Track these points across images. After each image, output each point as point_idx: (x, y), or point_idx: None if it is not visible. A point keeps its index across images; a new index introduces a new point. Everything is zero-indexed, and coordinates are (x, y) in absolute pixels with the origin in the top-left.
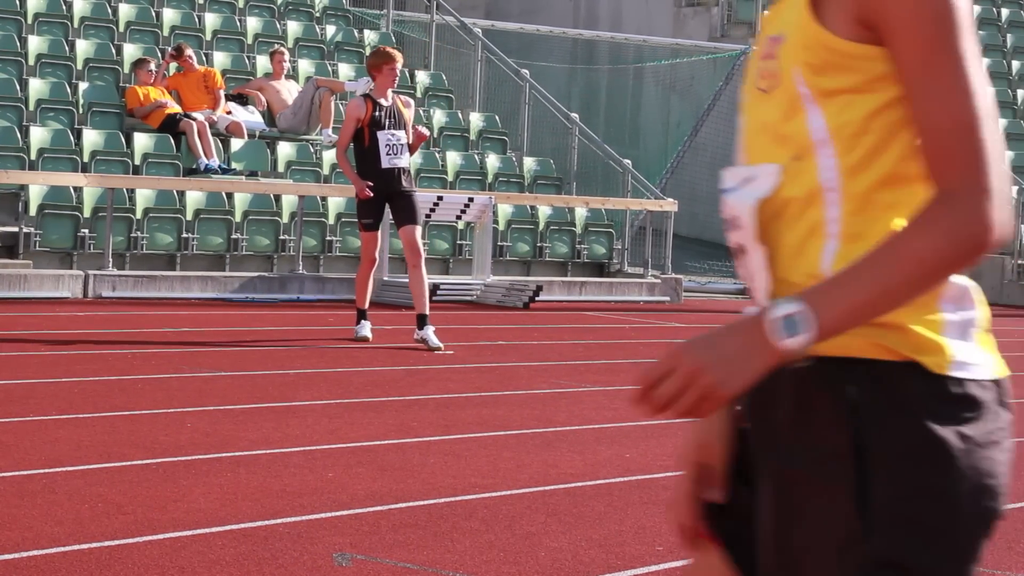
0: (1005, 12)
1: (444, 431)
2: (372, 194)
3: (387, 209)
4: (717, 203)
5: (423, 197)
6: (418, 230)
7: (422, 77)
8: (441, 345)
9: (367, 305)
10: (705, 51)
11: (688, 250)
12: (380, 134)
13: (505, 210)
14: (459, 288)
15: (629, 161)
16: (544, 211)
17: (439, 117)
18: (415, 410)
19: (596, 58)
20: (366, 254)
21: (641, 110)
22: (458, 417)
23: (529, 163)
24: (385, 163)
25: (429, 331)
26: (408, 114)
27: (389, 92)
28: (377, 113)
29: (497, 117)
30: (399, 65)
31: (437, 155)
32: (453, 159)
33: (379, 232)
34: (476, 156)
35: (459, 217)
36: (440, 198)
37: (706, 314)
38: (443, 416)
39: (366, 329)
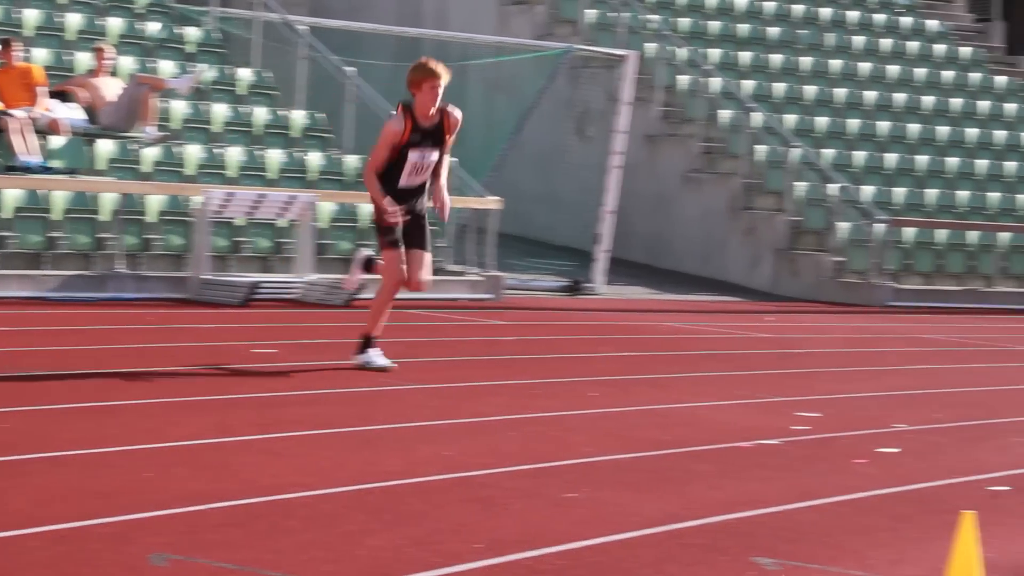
0: (853, 15)
1: (264, 430)
2: (397, 221)
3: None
4: (541, 201)
5: (243, 195)
6: (427, 258)
7: (246, 74)
8: (392, 364)
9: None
10: (529, 49)
11: (511, 248)
12: (412, 153)
13: (328, 208)
14: (281, 286)
15: (455, 159)
16: (366, 209)
17: (263, 115)
18: (235, 409)
19: (421, 55)
20: (391, 273)
21: (465, 108)
22: (278, 416)
23: (353, 161)
24: (403, 182)
25: (372, 353)
26: (453, 126)
27: (431, 111)
28: (415, 136)
29: (321, 115)
30: (443, 82)
31: (256, 153)
32: (276, 157)
33: (402, 251)
34: (299, 154)
35: (281, 215)
36: (262, 196)
37: (527, 311)
38: (263, 415)
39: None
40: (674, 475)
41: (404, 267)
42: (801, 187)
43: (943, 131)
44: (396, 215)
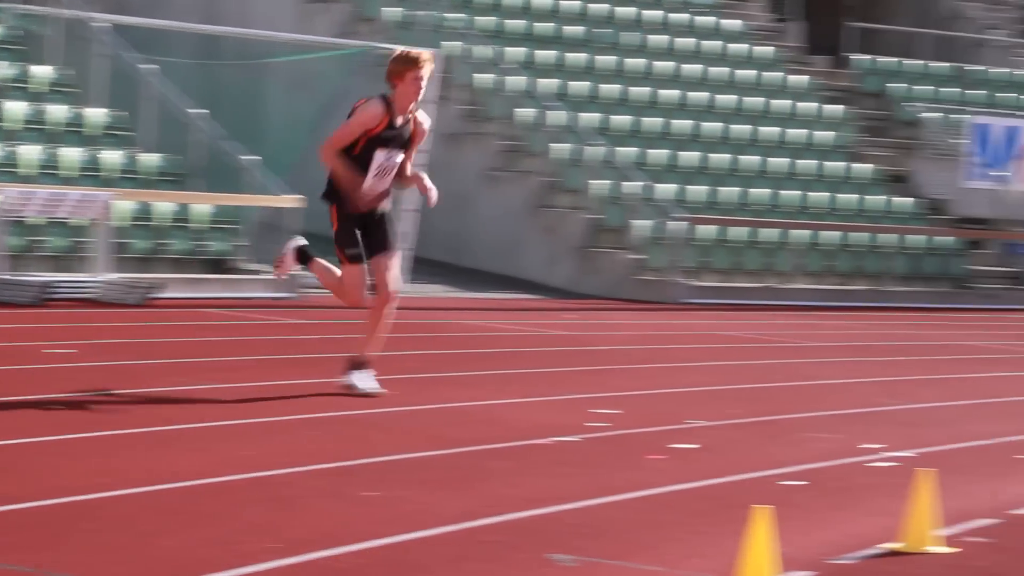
0: (653, 15)
1: (58, 431)
2: (361, 206)
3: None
4: None
5: (40, 194)
6: (395, 259)
7: (44, 72)
8: (380, 388)
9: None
10: (331, 47)
11: (313, 247)
12: (379, 152)
13: (126, 207)
14: (77, 286)
15: (260, 157)
16: (165, 207)
17: (61, 112)
18: (28, 410)
19: (222, 54)
20: (350, 294)
21: (268, 106)
22: (73, 416)
23: (151, 159)
24: (367, 183)
25: (357, 376)
26: (420, 136)
27: (412, 106)
28: (388, 132)
29: (121, 113)
30: (427, 72)
31: (53, 151)
32: (73, 155)
33: (367, 266)
34: (96, 152)
35: (77, 214)
36: (59, 195)
37: (327, 310)
38: (58, 416)
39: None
40: (472, 473)
41: (365, 288)
42: (600, 185)
43: (741, 130)
44: (358, 203)
